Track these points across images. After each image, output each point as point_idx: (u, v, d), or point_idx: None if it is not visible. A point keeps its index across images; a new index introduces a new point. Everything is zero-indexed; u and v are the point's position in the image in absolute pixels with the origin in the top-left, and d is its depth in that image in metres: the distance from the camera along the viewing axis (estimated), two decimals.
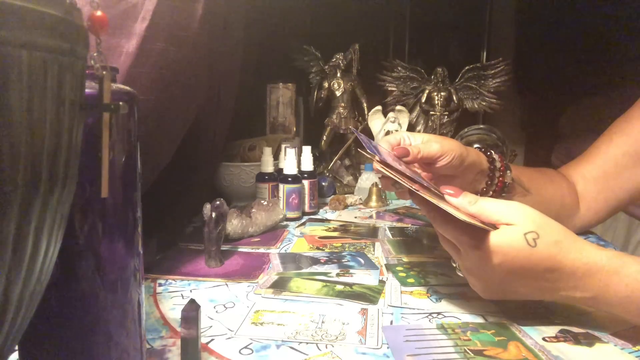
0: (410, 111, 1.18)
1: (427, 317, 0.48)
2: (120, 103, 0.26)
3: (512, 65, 1.15)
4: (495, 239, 0.43)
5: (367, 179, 1.08)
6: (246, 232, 0.74)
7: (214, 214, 0.60)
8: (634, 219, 1.14)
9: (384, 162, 0.50)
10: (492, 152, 0.62)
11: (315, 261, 0.63)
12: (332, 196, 1.02)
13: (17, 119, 0.18)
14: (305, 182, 0.89)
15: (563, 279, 0.43)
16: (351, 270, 0.60)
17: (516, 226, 0.43)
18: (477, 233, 0.44)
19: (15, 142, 0.18)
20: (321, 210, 0.95)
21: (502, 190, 0.62)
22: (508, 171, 0.61)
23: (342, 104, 1.15)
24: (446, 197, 0.46)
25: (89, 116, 0.26)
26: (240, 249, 0.69)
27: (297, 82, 1.18)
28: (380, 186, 1.01)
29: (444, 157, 0.56)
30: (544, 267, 0.42)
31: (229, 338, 0.43)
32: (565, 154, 1.25)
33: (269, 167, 0.89)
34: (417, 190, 0.45)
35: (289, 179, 0.86)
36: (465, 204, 0.46)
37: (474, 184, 0.61)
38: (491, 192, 0.62)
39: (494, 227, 0.44)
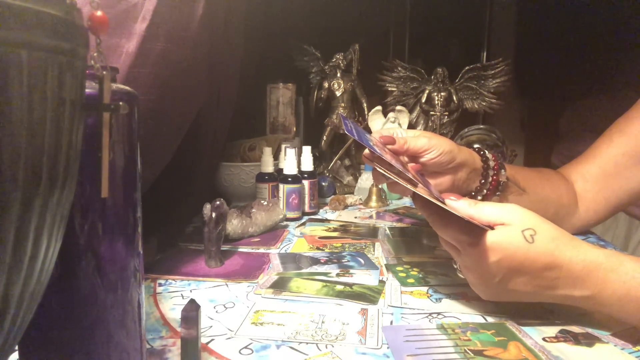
0: (410, 111, 1.18)
1: (427, 317, 0.48)
2: (120, 103, 0.26)
3: (512, 65, 1.15)
4: (493, 236, 0.44)
5: (367, 179, 1.08)
6: (246, 232, 0.73)
7: (214, 214, 0.60)
8: (634, 219, 1.14)
9: (372, 153, 0.51)
10: (486, 151, 0.63)
11: (315, 261, 0.63)
12: (332, 196, 1.02)
13: (17, 119, 0.18)
14: (305, 182, 0.89)
15: (561, 276, 0.43)
16: (351, 271, 0.60)
17: (514, 225, 0.44)
18: (476, 231, 0.44)
19: (15, 142, 0.18)
20: (321, 210, 0.95)
21: (496, 189, 0.62)
22: (502, 170, 0.62)
23: (342, 104, 1.15)
24: (447, 201, 0.47)
25: (89, 116, 0.26)
26: (240, 249, 0.69)
27: (297, 82, 1.18)
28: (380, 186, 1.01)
29: (430, 151, 0.58)
30: (542, 263, 0.43)
31: (229, 338, 0.43)
32: (565, 154, 1.25)
33: (269, 167, 0.89)
34: (397, 177, 0.46)
35: (289, 179, 0.86)
36: (464, 207, 0.46)
37: (467, 183, 0.62)
38: (485, 191, 0.62)
39: (492, 228, 0.45)
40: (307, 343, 0.42)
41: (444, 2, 1.37)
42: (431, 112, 1.17)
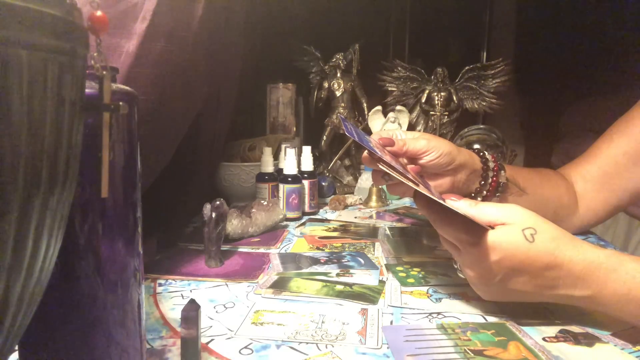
0: (410, 111, 1.18)
1: (427, 317, 0.48)
2: (120, 103, 0.26)
3: (512, 65, 1.15)
4: (494, 235, 0.44)
5: (367, 179, 1.08)
6: (246, 232, 0.73)
7: (214, 214, 0.60)
8: (634, 219, 1.14)
9: (371, 154, 0.51)
10: (485, 152, 0.63)
11: (315, 261, 0.63)
12: (332, 196, 1.02)
13: (17, 119, 0.18)
14: (305, 182, 0.89)
15: (562, 276, 0.43)
16: (351, 271, 0.60)
17: (514, 224, 0.44)
18: (476, 231, 0.44)
19: (15, 142, 0.18)
20: (321, 210, 0.95)
21: (496, 190, 0.62)
22: (502, 171, 0.62)
23: (342, 104, 1.15)
24: (448, 201, 0.47)
25: (89, 116, 0.26)
26: (240, 249, 0.69)
27: (297, 82, 1.18)
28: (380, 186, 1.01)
29: (429, 153, 0.58)
30: (542, 263, 0.43)
31: (229, 338, 0.43)
32: (565, 154, 1.25)
33: (269, 167, 0.89)
34: (400, 176, 0.46)
35: (289, 179, 0.86)
36: (465, 207, 0.46)
37: (467, 184, 0.62)
38: (485, 192, 0.62)
39: (492, 228, 0.45)
40: (307, 343, 0.42)
41: (444, 2, 1.37)
42: (431, 112, 1.17)
